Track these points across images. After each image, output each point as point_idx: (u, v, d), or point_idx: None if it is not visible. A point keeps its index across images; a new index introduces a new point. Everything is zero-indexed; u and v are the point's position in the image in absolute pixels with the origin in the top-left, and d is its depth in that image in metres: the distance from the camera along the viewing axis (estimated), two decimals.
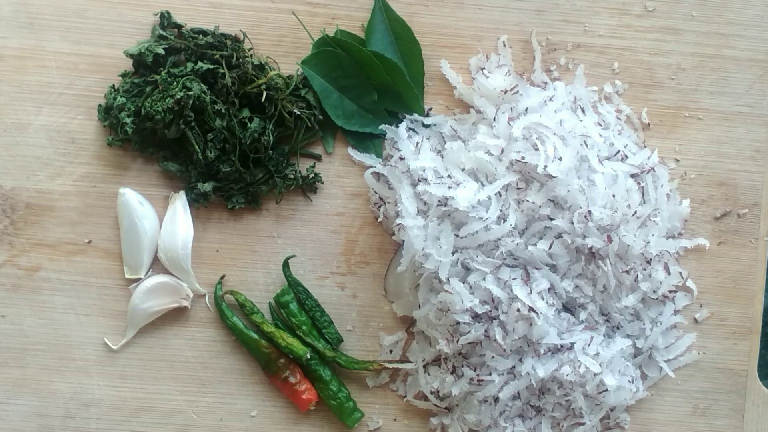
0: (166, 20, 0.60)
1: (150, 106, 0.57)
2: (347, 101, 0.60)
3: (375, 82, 0.59)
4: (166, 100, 0.57)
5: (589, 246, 0.55)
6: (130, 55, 0.59)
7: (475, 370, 0.57)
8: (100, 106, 0.59)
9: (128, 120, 0.58)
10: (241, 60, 0.59)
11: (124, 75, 0.60)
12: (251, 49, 0.60)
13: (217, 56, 0.59)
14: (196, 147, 0.58)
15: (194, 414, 0.61)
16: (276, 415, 0.61)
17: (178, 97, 0.56)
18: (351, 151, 0.60)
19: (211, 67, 0.58)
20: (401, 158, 0.59)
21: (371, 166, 0.60)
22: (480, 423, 0.58)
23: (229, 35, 0.60)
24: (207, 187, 0.59)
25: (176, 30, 0.60)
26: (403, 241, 0.57)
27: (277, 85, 0.59)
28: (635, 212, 0.57)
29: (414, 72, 0.60)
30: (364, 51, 0.59)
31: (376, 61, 0.59)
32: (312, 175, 0.60)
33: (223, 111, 0.58)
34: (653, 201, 0.59)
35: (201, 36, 0.59)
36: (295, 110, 0.59)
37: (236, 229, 0.61)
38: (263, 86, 0.59)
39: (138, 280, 0.60)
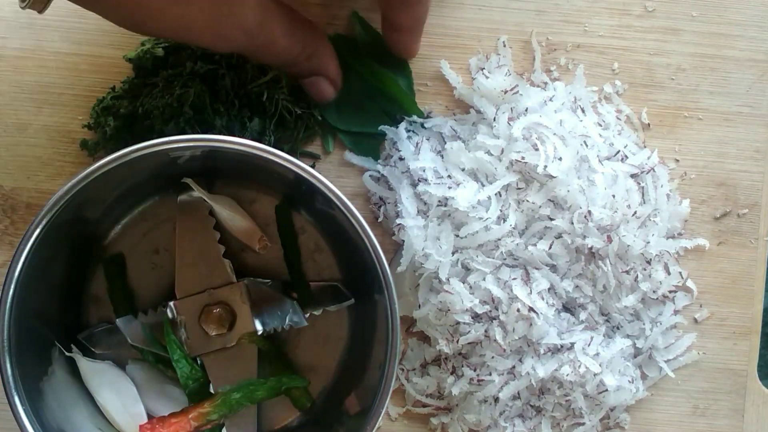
0: None
1: (149, 103, 0.57)
2: (344, 103, 0.60)
3: (371, 86, 0.59)
4: (165, 98, 0.57)
5: (589, 246, 0.55)
6: (130, 60, 0.59)
7: (475, 370, 0.57)
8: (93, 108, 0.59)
9: (111, 123, 0.57)
10: (241, 60, 0.59)
11: (124, 82, 0.59)
12: None
13: (217, 56, 0.59)
14: None
15: None
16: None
17: (178, 93, 0.56)
18: (348, 155, 0.60)
19: (211, 67, 0.58)
20: (401, 158, 0.59)
21: (369, 169, 0.60)
22: (480, 423, 0.58)
23: None
24: None
25: None
26: (403, 241, 0.57)
27: (277, 85, 0.59)
28: (635, 212, 0.57)
29: (404, 81, 0.60)
30: (358, 57, 0.59)
31: (369, 68, 0.59)
32: None
33: (222, 110, 0.58)
34: (653, 201, 0.59)
35: None
36: (296, 110, 0.59)
37: None
38: (263, 86, 0.59)
39: None
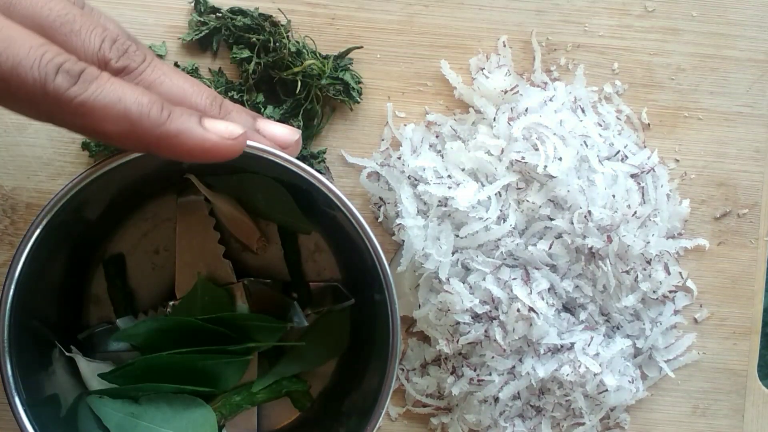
0: (202, 6, 0.59)
1: None
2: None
3: None
4: None
5: (589, 246, 0.55)
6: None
7: (475, 370, 0.57)
8: None
9: None
10: (278, 44, 0.57)
11: None
12: (289, 32, 0.59)
13: (254, 39, 0.58)
14: None
15: None
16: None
17: None
18: (344, 153, 0.60)
19: (244, 56, 0.57)
20: (400, 158, 0.59)
21: (365, 167, 0.60)
22: (480, 423, 0.58)
23: (268, 16, 0.59)
24: None
25: (213, 15, 0.59)
26: (403, 241, 0.57)
27: (312, 72, 0.58)
28: (635, 212, 0.57)
29: None
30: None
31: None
32: None
33: (236, 97, 0.57)
34: (653, 201, 0.59)
35: (239, 17, 0.58)
36: (330, 93, 0.58)
37: None
38: (299, 74, 0.57)
39: None
